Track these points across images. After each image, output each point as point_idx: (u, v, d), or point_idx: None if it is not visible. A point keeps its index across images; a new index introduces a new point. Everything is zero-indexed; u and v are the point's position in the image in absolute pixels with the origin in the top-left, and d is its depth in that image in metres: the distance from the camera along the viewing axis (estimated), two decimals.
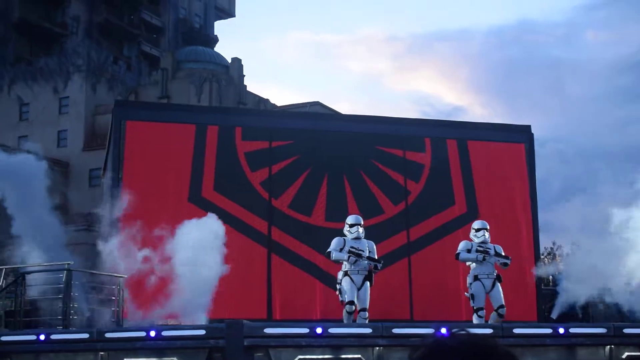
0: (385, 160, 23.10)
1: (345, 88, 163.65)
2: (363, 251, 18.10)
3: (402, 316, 21.00)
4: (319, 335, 14.87)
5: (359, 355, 15.00)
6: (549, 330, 16.17)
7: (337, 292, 18.20)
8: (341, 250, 18.17)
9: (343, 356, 14.98)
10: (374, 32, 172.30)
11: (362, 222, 18.58)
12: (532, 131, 24.56)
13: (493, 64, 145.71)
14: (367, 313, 17.87)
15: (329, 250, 18.29)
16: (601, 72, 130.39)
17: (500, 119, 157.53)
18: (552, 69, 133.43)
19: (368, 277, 18.14)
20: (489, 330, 15.64)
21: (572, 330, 16.01)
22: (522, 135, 24.47)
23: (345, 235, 18.45)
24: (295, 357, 14.76)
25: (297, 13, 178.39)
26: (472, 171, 23.57)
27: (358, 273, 18.03)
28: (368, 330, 15.48)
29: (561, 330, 15.83)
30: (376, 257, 18.33)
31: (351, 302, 17.80)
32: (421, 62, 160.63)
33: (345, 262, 18.10)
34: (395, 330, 15.35)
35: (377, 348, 15.11)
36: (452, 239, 22.88)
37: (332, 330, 15.10)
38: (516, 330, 16.01)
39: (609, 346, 15.96)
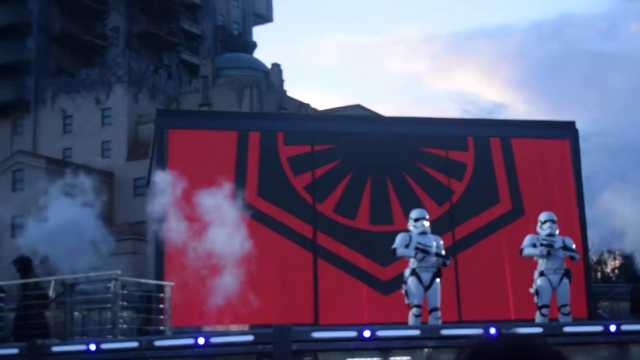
0: (428, 161, 22.99)
1: (385, 89, 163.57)
2: (430, 247, 17.13)
3: (450, 317, 20.81)
4: (367, 339, 14.80)
5: (408, 357, 14.92)
6: (600, 328, 15.93)
7: (403, 292, 17.21)
8: (407, 246, 17.16)
9: (392, 359, 14.91)
10: (412, 32, 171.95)
11: (428, 216, 17.68)
12: (577, 126, 24.32)
13: (534, 60, 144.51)
14: (439, 312, 17.00)
15: (393, 246, 17.30)
16: None
17: (543, 114, 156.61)
18: (595, 62, 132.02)
19: (437, 274, 17.15)
20: (538, 330, 15.45)
21: (623, 327, 15.75)
22: (566, 131, 24.23)
23: (409, 231, 17.52)
24: None
25: (334, 15, 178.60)
26: (516, 169, 23.39)
27: (426, 270, 17.02)
28: (416, 332, 15.38)
29: (612, 328, 15.57)
30: (443, 253, 17.48)
31: (419, 306, 16.88)
32: (460, 61, 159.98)
33: (412, 259, 17.16)
34: (444, 332, 15.24)
35: (426, 350, 15.02)
36: (498, 236, 22.76)
37: (380, 333, 15.01)
38: (566, 329, 15.81)
39: None
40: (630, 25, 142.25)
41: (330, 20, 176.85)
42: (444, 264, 17.43)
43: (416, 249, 17.05)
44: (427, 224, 17.50)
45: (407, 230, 17.64)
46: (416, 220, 17.54)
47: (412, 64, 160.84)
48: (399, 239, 17.35)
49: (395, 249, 17.28)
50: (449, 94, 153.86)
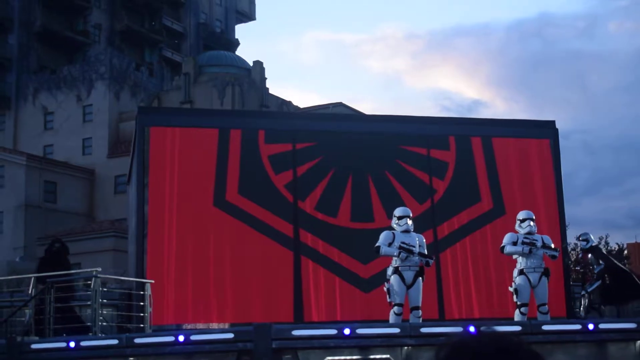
0: (410, 159, 23.02)
1: (366, 87, 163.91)
2: (414, 246, 17.07)
3: (431, 315, 20.87)
4: (347, 336, 14.82)
5: (388, 355, 14.95)
6: (578, 327, 16.02)
7: (385, 290, 17.10)
8: (390, 244, 17.07)
9: (371, 356, 14.93)
10: (393, 30, 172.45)
11: (411, 214, 17.63)
12: (556, 125, 24.42)
13: (514, 58, 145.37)
14: (420, 312, 16.96)
15: (377, 244, 17.21)
16: (626, 62, 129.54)
17: (523, 112, 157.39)
18: (575, 61, 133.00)
19: (420, 273, 17.13)
20: (517, 328, 15.51)
21: (601, 326, 15.84)
22: (546, 130, 24.32)
23: (393, 229, 17.45)
24: (323, 359, 14.75)
25: (316, 14, 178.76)
26: (497, 168, 23.45)
27: (409, 269, 16.98)
28: (396, 330, 15.40)
29: (590, 326, 15.65)
30: (426, 252, 17.45)
31: (400, 305, 16.82)
32: (441, 59, 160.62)
33: (395, 258, 17.06)
34: (424, 330, 15.26)
35: (406, 348, 15.05)
36: (479, 235, 22.82)
37: (359, 331, 15.03)
38: (545, 327, 15.87)
39: (639, 341, 15.81)
40: (609, 25, 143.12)
41: (312, 18, 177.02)
42: (427, 264, 17.39)
43: (400, 247, 16.99)
44: (410, 222, 17.44)
45: (390, 228, 17.59)
46: (400, 218, 17.48)
47: (393, 62, 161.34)
48: (383, 237, 17.28)
49: (379, 247, 17.20)
50: (430, 92, 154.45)
